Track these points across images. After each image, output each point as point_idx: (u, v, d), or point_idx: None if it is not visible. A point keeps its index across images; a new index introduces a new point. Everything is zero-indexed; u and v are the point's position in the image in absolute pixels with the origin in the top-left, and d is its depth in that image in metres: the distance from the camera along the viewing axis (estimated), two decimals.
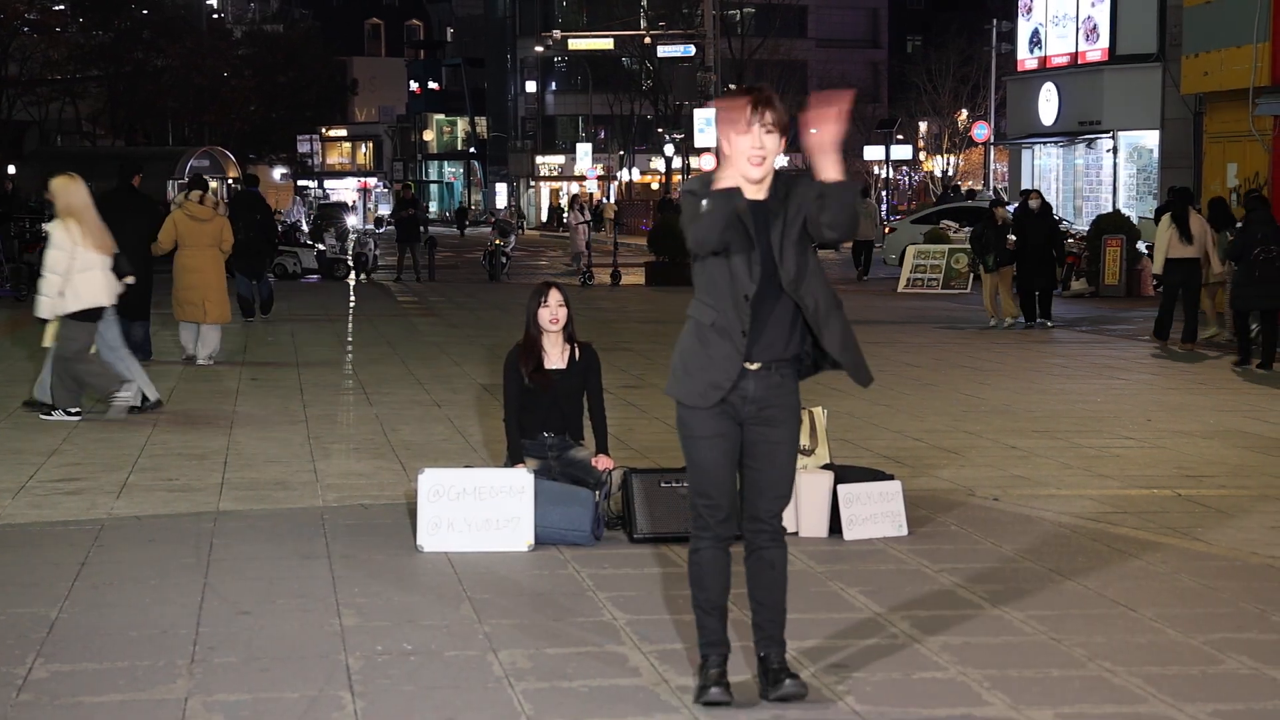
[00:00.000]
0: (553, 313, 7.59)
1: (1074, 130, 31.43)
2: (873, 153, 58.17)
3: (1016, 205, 23.24)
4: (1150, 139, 29.10)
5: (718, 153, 4.93)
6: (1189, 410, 12.44)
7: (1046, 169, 33.86)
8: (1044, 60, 32.57)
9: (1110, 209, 28.26)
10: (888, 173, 56.64)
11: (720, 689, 4.87)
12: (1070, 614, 6.10)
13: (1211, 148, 23.60)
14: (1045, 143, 33.21)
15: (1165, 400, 13.15)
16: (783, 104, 4.87)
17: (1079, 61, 30.97)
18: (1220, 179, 22.89)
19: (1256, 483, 9.23)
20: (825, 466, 7.72)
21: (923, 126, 69.17)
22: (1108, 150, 30.88)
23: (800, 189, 4.85)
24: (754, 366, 4.81)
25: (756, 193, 4.84)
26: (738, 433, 4.86)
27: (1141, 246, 23.71)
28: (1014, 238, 19.56)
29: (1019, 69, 34.27)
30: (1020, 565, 6.95)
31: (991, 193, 33.54)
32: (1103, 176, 31.19)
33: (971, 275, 27.50)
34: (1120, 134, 30.25)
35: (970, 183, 66.04)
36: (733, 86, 60.46)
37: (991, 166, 48.92)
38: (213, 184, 21.09)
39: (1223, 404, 12.83)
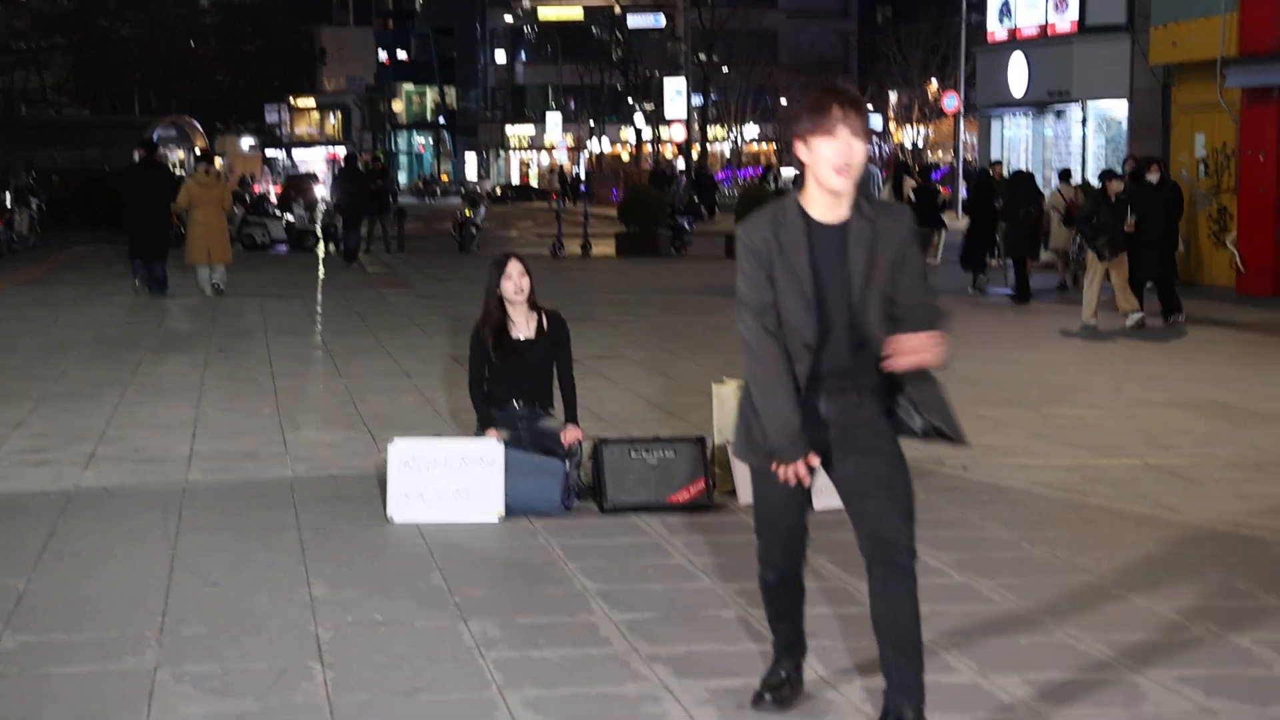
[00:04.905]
0: (516, 284, 7.55)
1: (1043, 100, 31.44)
2: None
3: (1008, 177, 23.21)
4: (1119, 109, 29.12)
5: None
6: (1159, 380, 12.50)
7: (1016, 139, 33.85)
8: (1014, 31, 32.53)
9: (1080, 180, 28.33)
10: None
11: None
12: (1038, 582, 6.13)
13: (1180, 118, 23.63)
14: (1015, 113, 33.23)
15: (1136, 370, 13.21)
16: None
17: (1049, 33, 30.96)
18: (1188, 149, 22.94)
19: (1224, 451, 9.29)
20: None
21: (893, 97, 69.18)
22: (1078, 121, 30.94)
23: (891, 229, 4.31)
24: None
25: (832, 212, 4.30)
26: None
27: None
28: (1134, 219, 16.44)
29: (989, 40, 34.26)
30: (988, 534, 6.98)
31: (1019, 163, 32.08)
32: (1072, 147, 31.21)
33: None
34: (1089, 104, 30.27)
35: (940, 153, 66.14)
36: (701, 57, 60.31)
37: (962, 137, 48.97)
38: (219, 161, 27.06)
39: (1193, 374, 12.90)
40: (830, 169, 4.24)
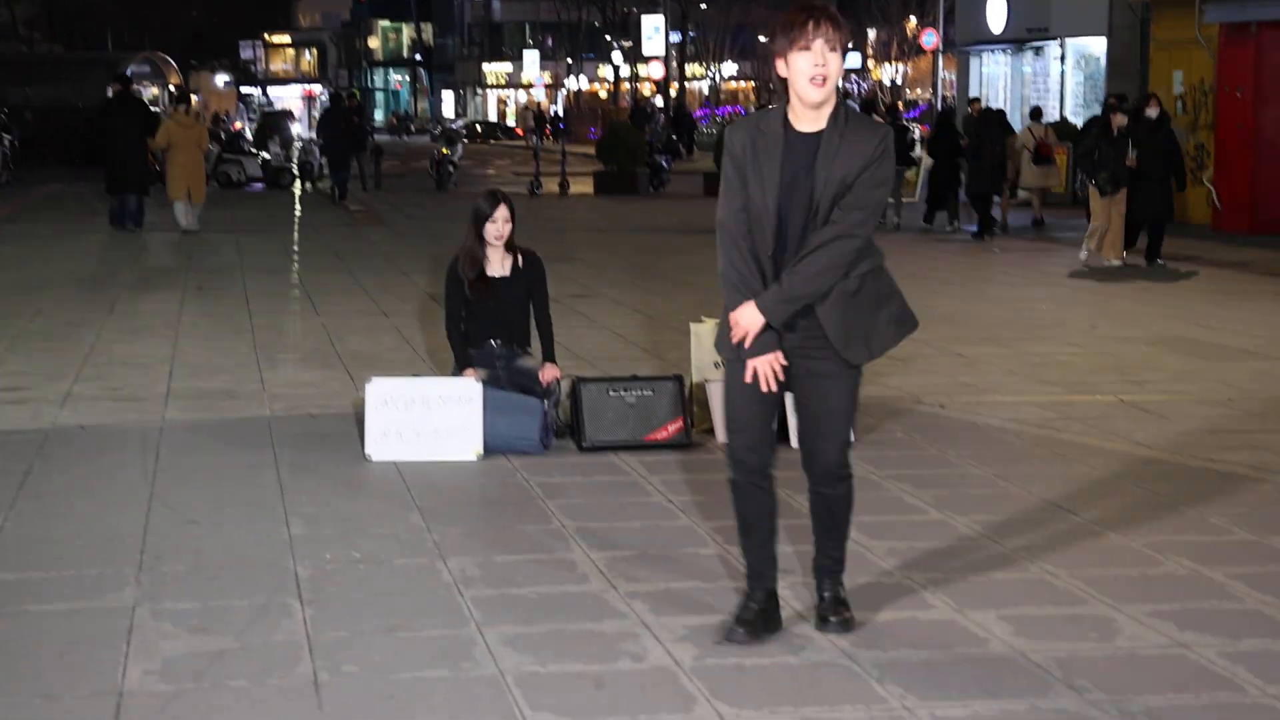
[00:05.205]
0: (499, 229, 7.52)
1: (1022, 38, 31.34)
2: None
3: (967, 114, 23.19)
4: (1097, 46, 29.05)
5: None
6: (1133, 317, 12.56)
7: (994, 77, 33.75)
8: None
9: (1058, 117, 28.31)
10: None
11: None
12: (1013, 518, 6.17)
13: (1158, 54, 23.60)
14: (993, 50, 33.13)
15: (1110, 307, 13.26)
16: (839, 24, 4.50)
17: None
18: (1166, 86, 22.92)
19: (1197, 387, 9.35)
20: None
21: (871, 34, 68.81)
22: (1056, 58, 30.85)
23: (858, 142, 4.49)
24: None
25: (813, 122, 4.51)
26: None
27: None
28: (1135, 155, 16.03)
29: None
30: (965, 471, 7.02)
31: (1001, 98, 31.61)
32: (1050, 84, 31.16)
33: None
34: (1068, 41, 30.19)
35: (919, 91, 65.89)
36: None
37: (940, 75, 48.83)
38: (195, 98, 27.59)
39: (1167, 311, 12.96)
40: (807, 80, 4.46)
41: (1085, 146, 16.59)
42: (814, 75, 4.43)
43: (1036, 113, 23.05)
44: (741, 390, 4.63)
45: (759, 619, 4.75)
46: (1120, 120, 16.15)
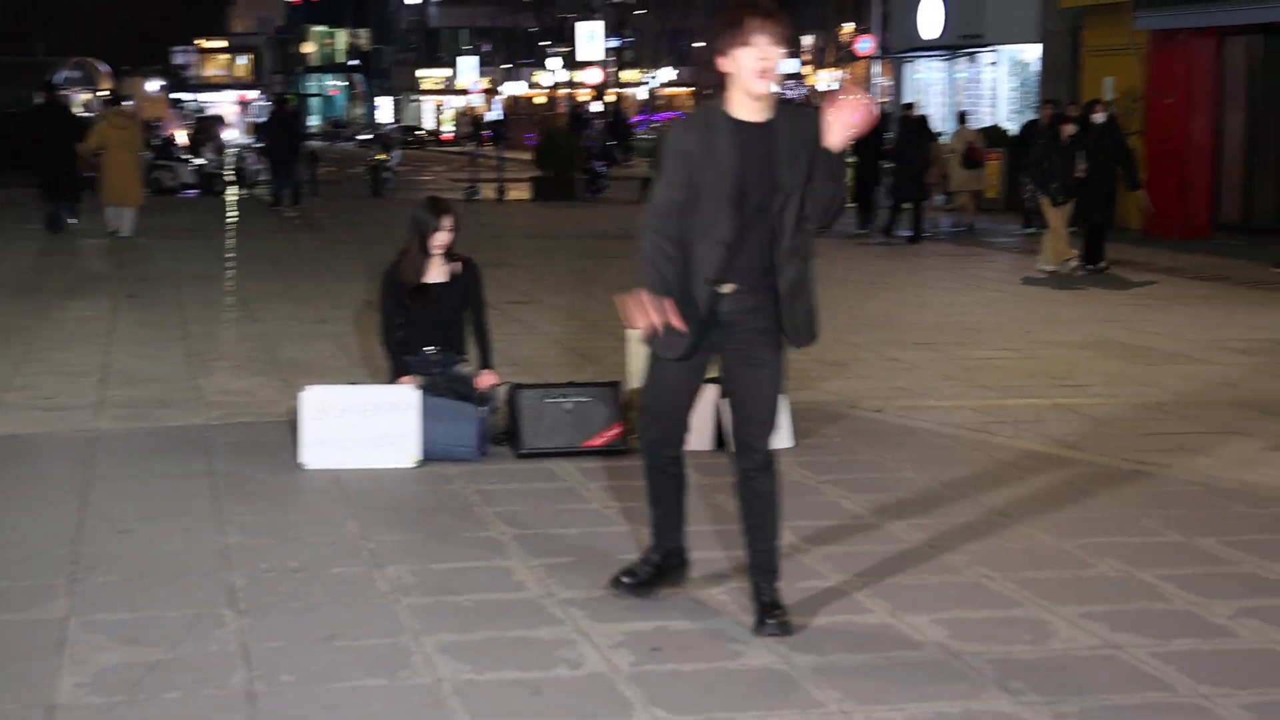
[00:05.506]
0: (444, 238, 7.50)
1: (956, 44, 31.58)
2: None
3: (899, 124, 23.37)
4: (1031, 53, 29.31)
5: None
6: (1067, 322, 12.68)
7: (929, 83, 33.98)
8: None
9: (991, 123, 28.53)
10: None
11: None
12: (948, 521, 6.22)
13: (1090, 61, 23.87)
14: (929, 56, 33.37)
15: (1044, 312, 13.39)
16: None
17: None
18: (1098, 92, 23.17)
19: (1129, 391, 9.46)
20: (709, 380, 7.75)
21: (807, 40, 69.09)
22: (990, 64, 31.10)
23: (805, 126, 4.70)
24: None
25: (758, 113, 4.69)
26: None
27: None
28: (1086, 166, 15.76)
29: None
30: (901, 475, 7.06)
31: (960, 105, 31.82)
32: (983, 90, 31.42)
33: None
34: (1002, 48, 30.45)
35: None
36: None
37: (875, 81, 49.14)
38: (128, 103, 26.19)
39: (1100, 315, 13.09)
40: (753, 75, 4.64)
41: (1035, 156, 16.45)
42: (759, 69, 4.61)
43: (963, 117, 23.40)
44: (660, 385, 4.87)
45: (654, 575, 5.11)
46: (1069, 130, 16.06)
